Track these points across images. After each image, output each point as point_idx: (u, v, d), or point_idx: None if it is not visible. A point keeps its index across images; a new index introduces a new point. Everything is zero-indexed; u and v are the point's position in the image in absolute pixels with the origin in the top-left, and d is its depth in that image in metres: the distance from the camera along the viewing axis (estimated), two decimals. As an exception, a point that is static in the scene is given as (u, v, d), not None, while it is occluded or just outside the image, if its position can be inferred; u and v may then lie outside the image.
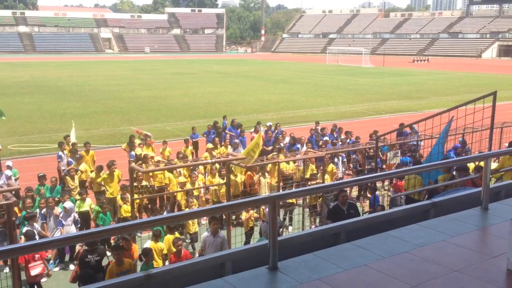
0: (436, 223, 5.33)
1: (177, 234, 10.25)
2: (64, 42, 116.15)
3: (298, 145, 17.24)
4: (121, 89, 42.96)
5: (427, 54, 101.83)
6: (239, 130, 20.15)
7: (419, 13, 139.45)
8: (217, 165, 13.86)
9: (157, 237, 9.96)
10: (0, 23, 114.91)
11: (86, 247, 9.02)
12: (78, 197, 12.78)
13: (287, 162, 13.64)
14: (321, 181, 12.60)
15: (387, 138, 14.12)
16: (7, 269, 10.54)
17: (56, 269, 11.25)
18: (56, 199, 12.41)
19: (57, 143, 16.96)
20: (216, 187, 13.25)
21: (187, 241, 12.10)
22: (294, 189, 10.84)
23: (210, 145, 16.87)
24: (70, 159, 15.43)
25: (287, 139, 18.26)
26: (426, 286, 3.93)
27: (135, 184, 12.51)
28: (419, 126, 11.83)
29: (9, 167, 14.62)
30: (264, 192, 13.16)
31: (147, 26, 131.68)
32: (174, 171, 14.01)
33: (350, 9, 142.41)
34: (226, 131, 20.29)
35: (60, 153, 15.90)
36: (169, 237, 10.00)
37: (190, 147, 17.84)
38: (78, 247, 10.75)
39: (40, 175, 13.34)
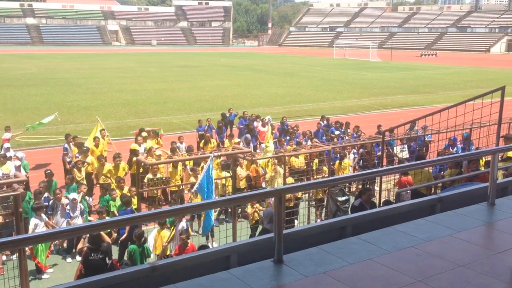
0: (443, 218, 5.31)
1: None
2: (72, 34, 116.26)
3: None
4: (128, 82, 43.02)
5: (435, 49, 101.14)
6: (244, 121, 20.07)
7: (427, 7, 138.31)
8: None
9: (162, 226, 10.08)
10: (7, 15, 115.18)
11: (90, 245, 9.03)
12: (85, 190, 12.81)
13: (297, 157, 13.65)
14: (326, 175, 12.58)
15: (394, 133, 14.04)
16: (14, 257, 10.64)
17: (68, 259, 11.36)
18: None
19: (64, 135, 17.04)
20: (223, 181, 13.28)
21: (199, 232, 12.21)
22: (300, 183, 10.84)
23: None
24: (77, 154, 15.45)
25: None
26: (431, 281, 3.92)
27: (149, 176, 12.60)
28: (426, 120, 11.76)
29: (18, 158, 14.67)
30: (279, 183, 13.14)
31: (154, 19, 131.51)
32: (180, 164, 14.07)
33: (358, 2, 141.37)
34: (239, 125, 20.28)
35: (66, 145, 15.95)
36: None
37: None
38: (80, 244, 10.84)
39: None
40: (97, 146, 15.84)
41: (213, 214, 10.54)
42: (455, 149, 15.18)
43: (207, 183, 9.42)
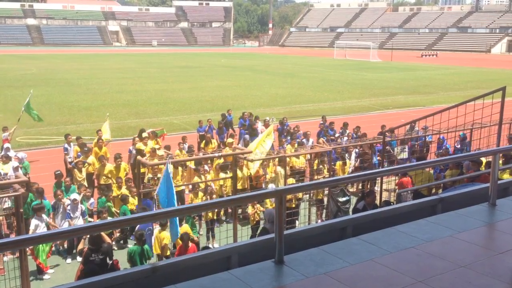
0: (444, 218, 5.30)
1: (185, 227, 10.29)
2: (72, 34, 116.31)
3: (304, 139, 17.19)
4: (128, 82, 43.02)
5: (435, 49, 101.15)
6: (243, 121, 20.04)
7: (428, 7, 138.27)
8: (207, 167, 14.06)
9: (163, 226, 10.13)
10: (8, 16, 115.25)
11: (91, 246, 9.01)
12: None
13: (297, 157, 13.62)
14: (327, 175, 12.58)
15: (395, 133, 14.03)
16: (6, 258, 10.61)
17: (69, 260, 11.35)
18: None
19: (64, 135, 17.04)
20: (221, 182, 13.27)
21: (200, 233, 12.23)
22: (300, 183, 10.83)
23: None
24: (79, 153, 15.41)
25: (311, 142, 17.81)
26: (432, 282, 3.92)
27: (150, 175, 12.63)
28: (427, 121, 11.76)
29: (19, 159, 14.65)
30: (281, 184, 13.12)
31: (155, 19, 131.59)
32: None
33: (359, 3, 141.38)
34: (239, 126, 20.25)
35: (66, 145, 15.96)
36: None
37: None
38: (81, 245, 10.82)
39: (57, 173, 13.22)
40: (100, 148, 15.81)
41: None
42: (443, 147, 15.22)
43: (166, 189, 8.74)
